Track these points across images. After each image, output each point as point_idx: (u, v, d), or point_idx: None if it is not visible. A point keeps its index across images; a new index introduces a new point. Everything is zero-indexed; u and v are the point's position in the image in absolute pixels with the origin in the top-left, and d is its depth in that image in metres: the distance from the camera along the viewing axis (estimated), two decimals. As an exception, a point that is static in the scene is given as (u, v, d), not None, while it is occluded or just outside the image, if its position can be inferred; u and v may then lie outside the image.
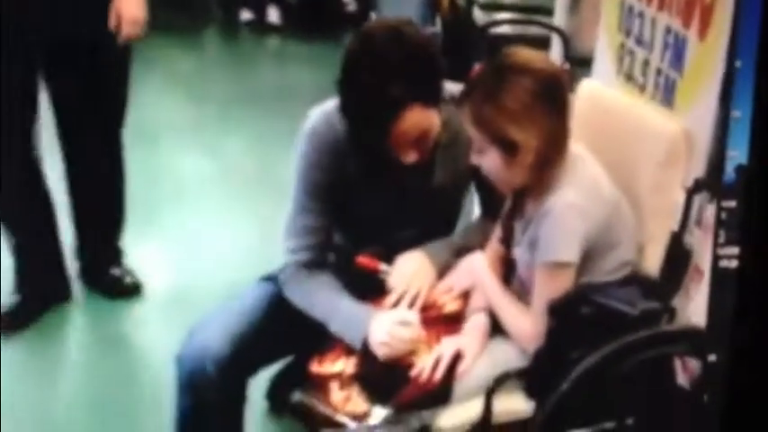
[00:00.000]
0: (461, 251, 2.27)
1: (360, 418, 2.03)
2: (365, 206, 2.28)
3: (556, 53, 3.42)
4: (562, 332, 1.96)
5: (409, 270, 2.22)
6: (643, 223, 2.10)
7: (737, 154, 1.69)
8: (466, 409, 2.02)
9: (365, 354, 2.10)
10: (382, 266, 2.24)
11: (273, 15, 7.42)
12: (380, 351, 2.08)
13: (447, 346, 2.08)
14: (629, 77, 2.31)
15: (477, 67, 2.21)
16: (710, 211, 1.91)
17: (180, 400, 2.24)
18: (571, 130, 2.05)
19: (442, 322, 2.18)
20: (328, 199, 2.24)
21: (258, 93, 6.12)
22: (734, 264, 1.65)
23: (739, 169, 1.70)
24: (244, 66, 6.83)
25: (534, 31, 3.83)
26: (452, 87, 2.25)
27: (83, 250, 3.54)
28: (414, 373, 2.05)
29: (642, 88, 2.25)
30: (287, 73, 6.74)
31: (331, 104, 2.22)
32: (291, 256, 2.25)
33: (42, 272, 3.37)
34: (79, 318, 3.41)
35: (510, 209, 2.16)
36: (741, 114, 1.65)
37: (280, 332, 2.25)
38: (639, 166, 2.12)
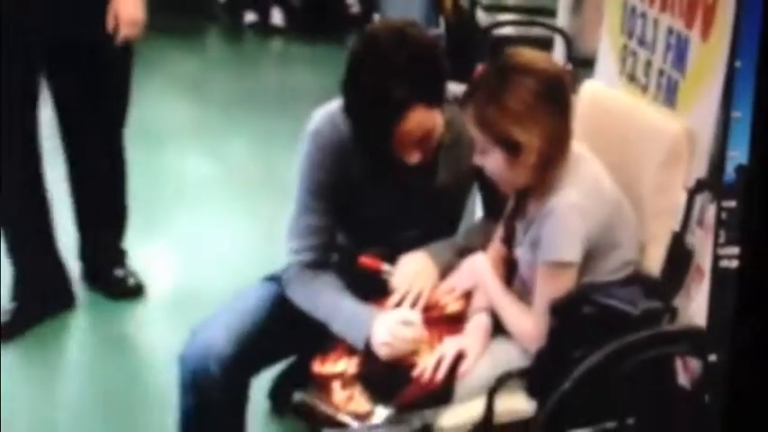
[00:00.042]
0: (464, 252, 2.28)
1: (362, 417, 2.03)
2: (368, 206, 2.29)
3: (559, 54, 3.43)
4: (564, 332, 1.97)
5: (412, 270, 2.23)
6: (645, 223, 2.10)
7: (738, 154, 1.70)
8: (468, 409, 2.03)
9: (367, 354, 2.10)
10: (385, 267, 2.25)
11: (277, 17, 7.43)
12: (382, 351, 2.09)
13: (449, 346, 2.08)
14: (632, 78, 2.31)
15: (480, 67, 2.21)
16: (712, 212, 1.91)
17: (183, 400, 2.25)
18: (573, 131, 2.06)
19: (444, 322, 2.18)
20: (332, 199, 2.25)
21: (261, 94, 6.13)
22: (734, 264, 1.66)
23: (739, 169, 1.71)
24: (247, 67, 6.84)
25: (537, 32, 3.84)
26: (455, 88, 2.26)
27: (85, 251, 3.54)
28: (416, 372, 2.05)
29: (644, 89, 2.25)
30: (290, 75, 6.74)
31: (335, 105, 2.23)
32: (294, 256, 2.26)
33: (41, 278, 3.34)
34: (82, 319, 3.41)
35: (512, 209, 2.16)
36: (741, 115, 1.65)
37: (282, 332, 2.26)
38: (641, 167, 2.12)
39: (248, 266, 3.00)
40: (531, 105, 1.95)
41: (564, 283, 1.98)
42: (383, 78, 2.03)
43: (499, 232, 2.22)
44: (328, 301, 2.20)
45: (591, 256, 2.00)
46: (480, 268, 2.18)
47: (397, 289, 2.21)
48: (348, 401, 2.05)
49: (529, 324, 2.04)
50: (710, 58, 1.98)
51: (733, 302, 1.66)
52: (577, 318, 1.98)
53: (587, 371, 1.87)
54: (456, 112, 2.17)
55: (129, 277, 3.55)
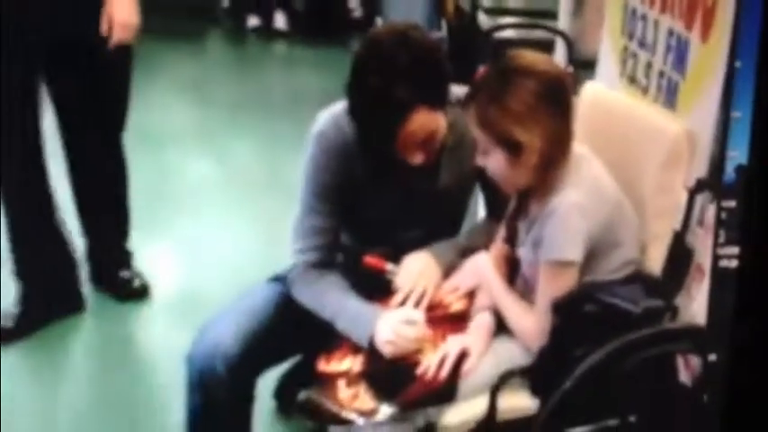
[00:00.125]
0: (466, 251, 2.29)
1: (367, 415, 2.03)
2: (372, 207, 2.30)
3: (560, 56, 3.44)
4: (566, 330, 1.98)
5: (415, 270, 2.24)
6: (646, 223, 2.11)
7: (737, 154, 1.70)
8: (471, 407, 2.03)
9: (372, 352, 2.12)
10: (389, 266, 2.26)
11: (280, 21, 7.45)
12: (386, 349, 2.10)
13: (452, 344, 2.09)
14: (632, 80, 2.33)
15: (481, 70, 2.23)
16: (712, 211, 1.92)
17: (190, 399, 2.26)
18: (575, 132, 2.07)
19: (447, 321, 2.19)
20: (336, 200, 2.27)
21: (265, 97, 6.15)
22: (734, 264, 1.66)
23: (739, 169, 1.72)
24: (250, 71, 6.86)
25: (538, 34, 3.85)
26: (458, 90, 2.27)
27: (91, 253, 3.54)
28: (420, 371, 2.06)
29: (645, 90, 2.27)
30: (293, 78, 6.76)
31: (339, 107, 2.25)
32: (300, 256, 2.28)
33: (48, 281, 3.34)
34: (88, 320, 3.42)
35: (514, 209, 2.17)
36: (741, 115, 1.66)
37: (288, 332, 2.27)
38: (642, 167, 2.13)
39: (252, 268, 3.02)
40: (532, 106, 1.97)
41: (566, 282, 2.00)
42: (387, 80, 2.05)
43: (501, 232, 2.23)
44: (333, 300, 2.22)
45: (592, 256, 2.01)
46: (483, 268, 2.20)
47: (400, 288, 2.22)
48: (353, 399, 2.06)
49: (531, 323, 2.05)
50: (710, 59, 2.00)
51: (733, 302, 1.66)
52: (579, 316, 1.99)
53: (589, 369, 1.88)
54: (459, 114, 2.19)
55: (135, 278, 3.57)
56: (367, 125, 2.15)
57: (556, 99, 2.00)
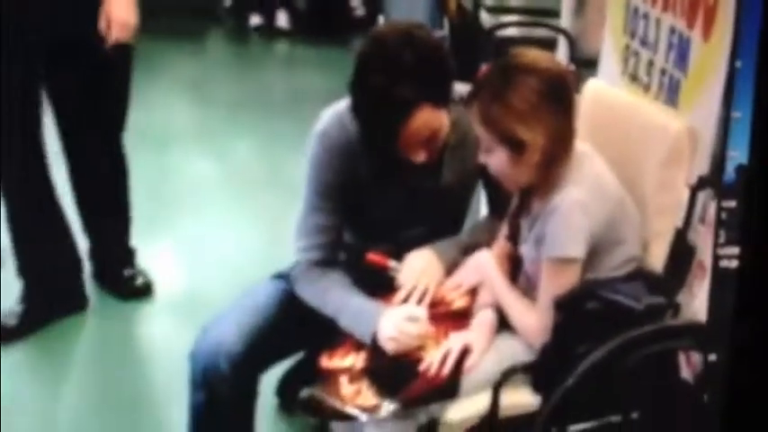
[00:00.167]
0: (469, 249, 2.30)
1: (369, 411, 2.04)
2: (375, 205, 2.31)
3: (562, 55, 3.45)
4: (568, 327, 1.98)
5: (418, 267, 2.25)
6: (648, 220, 2.12)
7: (738, 154, 1.71)
8: (473, 403, 2.04)
9: (374, 349, 2.13)
10: (391, 264, 2.27)
11: (282, 20, 7.46)
12: (389, 346, 2.11)
13: (455, 341, 2.10)
14: (634, 78, 2.33)
15: (484, 68, 2.23)
16: (714, 208, 1.93)
17: (194, 396, 2.27)
18: (577, 130, 2.08)
19: (450, 318, 2.20)
20: (339, 199, 2.27)
21: (267, 96, 6.16)
22: (734, 264, 1.66)
23: (739, 169, 1.72)
24: (252, 70, 6.87)
25: (540, 33, 3.85)
26: (461, 88, 2.28)
27: (93, 251, 3.55)
28: (422, 367, 2.07)
29: (647, 88, 2.27)
30: (295, 77, 6.77)
31: (342, 106, 2.25)
32: (303, 254, 2.28)
33: (51, 280, 3.34)
34: (90, 318, 3.42)
35: (517, 207, 2.18)
36: (741, 114, 1.67)
37: (291, 329, 2.28)
38: (644, 165, 2.14)
39: (254, 266, 3.03)
40: (534, 104, 1.98)
41: (568, 279, 2.01)
42: (390, 78, 2.06)
43: (504, 229, 2.24)
44: (336, 297, 2.23)
45: (595, 253, 2.02)
46: (485, 265, 2.21)
47: (403, 285, 2.23)
48: (356, 396, 2.06)
49: (533, 319, 2.06)
50: (712, 57, 2.01)
51: (733, 303, 1.67)
52: (581, 313, 1.99)
53: (591, 365, 1.88)
54: (462, 112, 2.20)
55: (138, 276, 3.57)
56: (370, 123, 2.16)
57: (558, 97, 2.01)
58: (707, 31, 2.02)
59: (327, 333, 2.21)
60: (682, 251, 2.07)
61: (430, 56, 2.13)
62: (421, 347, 2.11)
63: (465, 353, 2.08)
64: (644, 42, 2.29)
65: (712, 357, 1.69)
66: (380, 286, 2.26)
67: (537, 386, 2.05)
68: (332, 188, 2.26)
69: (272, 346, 2.27)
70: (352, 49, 2.18)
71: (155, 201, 4.18)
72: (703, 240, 2.03)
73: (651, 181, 2.12)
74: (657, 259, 2.10)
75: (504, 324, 2.15)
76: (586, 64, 2.92)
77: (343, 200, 2.28)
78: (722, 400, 1.63)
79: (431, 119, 2.13)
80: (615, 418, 2.01)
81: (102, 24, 3.07)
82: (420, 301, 2.21)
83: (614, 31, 2.43)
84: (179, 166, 4.89)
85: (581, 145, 2.09)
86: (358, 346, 2.16)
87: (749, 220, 1.60)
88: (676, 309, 2.05)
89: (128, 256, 3.58)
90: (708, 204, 2.02)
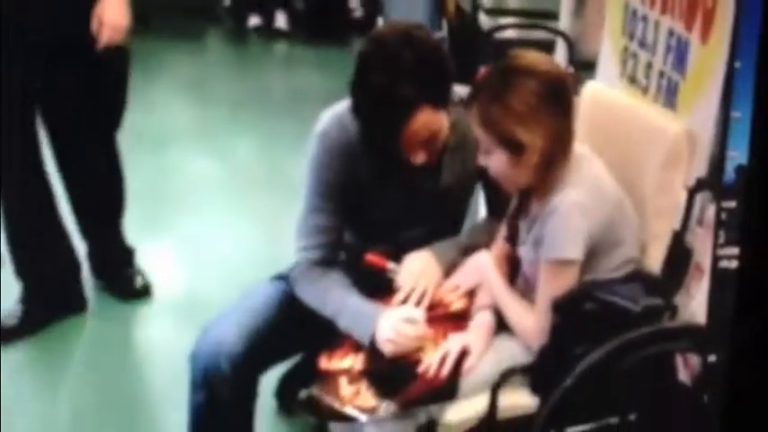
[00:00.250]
0: (468, 250, 2.30)
1: (368, 412, 2.04)
2: (375, 206, 2.31)
3: (560, 57, 3.46)
4: (566, 329, 1.99)
5: (417, 269, 2.25)
6: (646, 222, 2.12)
7: (737, 154, 1.71)
8: (472, 405, 2.05)
9: (373, 350, 2.13)
10: (390, 265, 2.27)
11: (281, 21, 7.46)
12: (387, 348, 2.11)
13: (453, 342, 2.10)
14: (633, 80, 2.34)
15: (482, 70, 2.24)
16: (712, 211, 1.93)
17: (193, 397, 2.27)
18: (576, 131, 2.08)
19: (448, 320, 2.20)
20: (339, 199, 2.28)
21: (266, 97, 6.17)
22: (734, 264, 1.67)
23: (739, 169, 1.72)
24: (251, 70, 6.87)
25: (539, 35, 3.85)
26: (460, 90, 2.29)
27: (92, 252, 3.54)
28: (421, 369, 2.07)
29: (645, 90, 2.28)
30: (294, 77, 6.77)
31: (342, 106, 2.26)
32: (303, 254, 2.29)
33: (49, 281, 3.34)
34: (90, 319, 3.42)
35: (515, 208, 2.18)
36: (741, 115, 1.67)
37: (291, 330, 2.28)
38: (642, 167, 2.14)
39: (253, 266, 3.03)
40: (533, 106, 1.98)
41: (566, 281, 2.01)
42: (391, 79, 2.06)
43: (502, 231, 2.24)
44: (335, 298, 2.23)
45: (593, 254, 2.02)
46: (484, 266, 2.21)
47: (402, 287, 2.23)
48: (355, 396, 2.07)
49: (531, 321, 2.06)
50: (710, 60, 2.01)
51: (733, 303, 1.67)
52: (579, 315, 2.00)
53: (589, 367, 1.89)
54: (461, 114, 2.20)
55: (137, 277, 3.56)
56: (371, 123, 2.16)
57: (557, 99, 2.01)
58: (705, 34, 2.03)
59: (327, 334, 2.21)
60: (679, 253, 2.07)
61: (429, 56, 2.13)
62: (419, 349, 2.12)
63: (463, 354, 2.08)
64: (642, 44, 2.30)
65: (712, 358, 1.70)
66: (379, 287, 2.26)
67: (535, 387, 2.06)
68: (332, 188, 2.27)
69: (272, 348, 2.28)
70: (350, 50, 2.18)
71: (154, 201, 4.19)
72: (701, 242, 2.04)
73: (650, 183, 2.12)
74: (655, 261, 2.11)
75: (502, 325, 2.15)
76: (585, 66, 2.93)
77: (344, 200, 2.28)
78: (722, 401, 1.63)
79: (430, 120, 2.14)
80: (613, 420, 2.02)
81: (93, 26, 3.06)
82: (418, 302, 2.21)
83: (613, 33, 2.43)
84: (178, 167, 4.89)
85: (580, 147, 2.10)
86: (357, 347, 2.16)
87: (749, 221, 1.60)
88: (673, 311, 2.06)
89: (127, 256, 3.57)
90: (705, 206, 2.02)
